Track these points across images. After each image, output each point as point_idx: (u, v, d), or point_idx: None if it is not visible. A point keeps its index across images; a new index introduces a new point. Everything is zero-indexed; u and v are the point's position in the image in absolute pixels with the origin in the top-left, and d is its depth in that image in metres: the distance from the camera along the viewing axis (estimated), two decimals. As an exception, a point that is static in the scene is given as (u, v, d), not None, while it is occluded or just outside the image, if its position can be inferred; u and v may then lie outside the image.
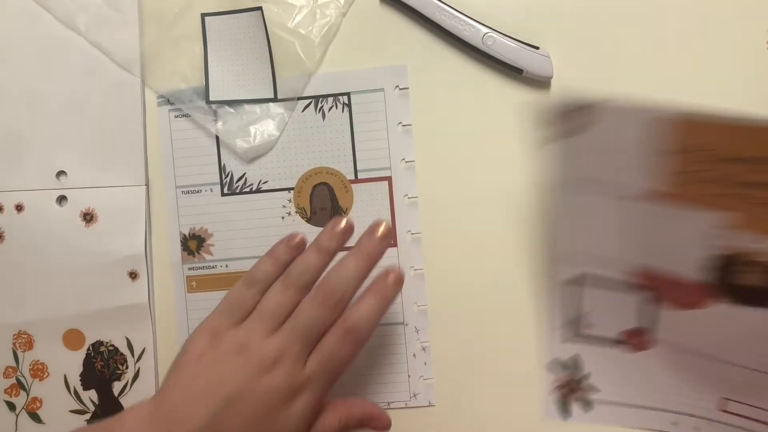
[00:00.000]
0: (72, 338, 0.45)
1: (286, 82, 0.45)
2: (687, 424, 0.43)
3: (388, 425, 0.40)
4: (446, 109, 0.45)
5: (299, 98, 0.45)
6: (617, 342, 0.43)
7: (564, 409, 0.44)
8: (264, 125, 0.45)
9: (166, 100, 0.46)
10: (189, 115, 0.45)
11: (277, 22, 0.45)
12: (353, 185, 0.45)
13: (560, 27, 0.44)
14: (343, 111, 0.45)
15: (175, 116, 0.46)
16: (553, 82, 0.44)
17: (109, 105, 0.45)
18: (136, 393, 0.45)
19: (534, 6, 0.44)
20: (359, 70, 0.45)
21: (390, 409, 0.45)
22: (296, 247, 0.39)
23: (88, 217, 0.45)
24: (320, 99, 0.45)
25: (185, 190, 0.46)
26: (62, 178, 0.45)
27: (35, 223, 0.45)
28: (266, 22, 0.45)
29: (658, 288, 0.41)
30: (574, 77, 0.44)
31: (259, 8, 0.45)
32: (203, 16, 0.45)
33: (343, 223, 0.39)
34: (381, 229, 0.39)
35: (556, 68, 0.43)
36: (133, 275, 0.45)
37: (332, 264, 0.39)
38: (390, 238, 0.41)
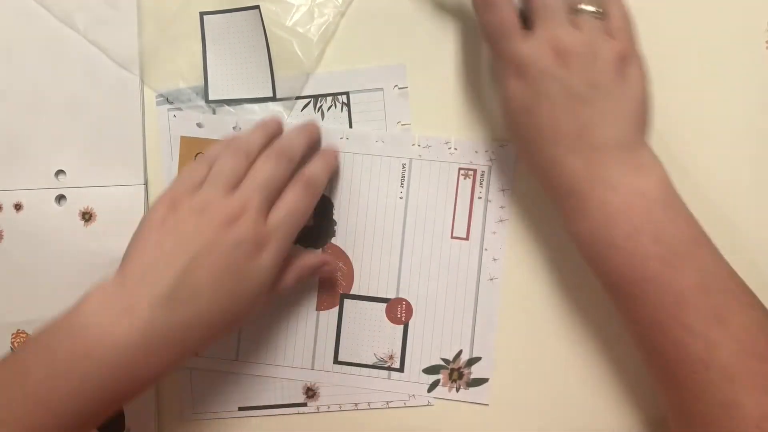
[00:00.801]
0: (71, 337, 0.45)
1: (285, 81, 0.45)
2: None
3: (335, 268, 0.45)
4: (445, 108, 0.45)
5: (297, 98, 0.45)
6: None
7: None
8: (262, 124, 0.45)
9: (165, 99, 0.46)
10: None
11: (275, 21, 0.45)
12: None
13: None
14: (342, 110, 0.45)
15: (174, 115, 0.46)
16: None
17: (109, 104, 0.45)
18: (135, 392, 0.45)
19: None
20: (358, 70, 0.45)
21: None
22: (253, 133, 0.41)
23: (87, 216, 0.45)
24: (319, 98, 0.45)
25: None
26: (61, 177, 0.45)
27: (34, 222, 0.45)
28: (264, 21, 0.45)
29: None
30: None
31: (257, 7, 0.44)
32: (202, 14, 0.45)
33: (278, 119, 0.43)
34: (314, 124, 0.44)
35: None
36: (132, 274, 0.45)
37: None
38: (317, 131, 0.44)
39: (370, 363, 0.45)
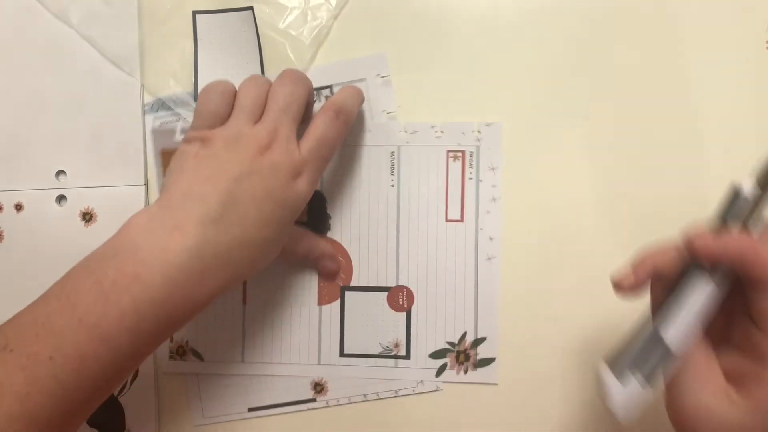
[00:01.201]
0: (72, 337, 0.45)
1: None
2: None
3: (337, 269, 0.45)
4: (430, 95, 0.45)
5: None
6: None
7: None
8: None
9: (152, 106, 0.46)
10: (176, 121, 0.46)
11: (268, 23, 0.45)
12: None
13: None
14: None
15: (159, 124, 0.46)
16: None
17: (109, 104, 0.46)
18: (136, 392, 0.45)
19: None
20: (340, 62, 0.45)
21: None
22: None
23: (88, 217, 0.45)
24: None
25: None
26: (62, 177, 0.46)
27: (34, 222, 0.45)
28: (257, 22, 0.45)
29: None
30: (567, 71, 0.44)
31: (250, 8, 0.45)
32: (195, 13, 0.45)
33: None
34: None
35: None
36: (133, 274, 0.45)
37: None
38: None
39: (376, 353, 0.45)
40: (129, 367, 0.34)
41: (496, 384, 0.44)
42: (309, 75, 0.44)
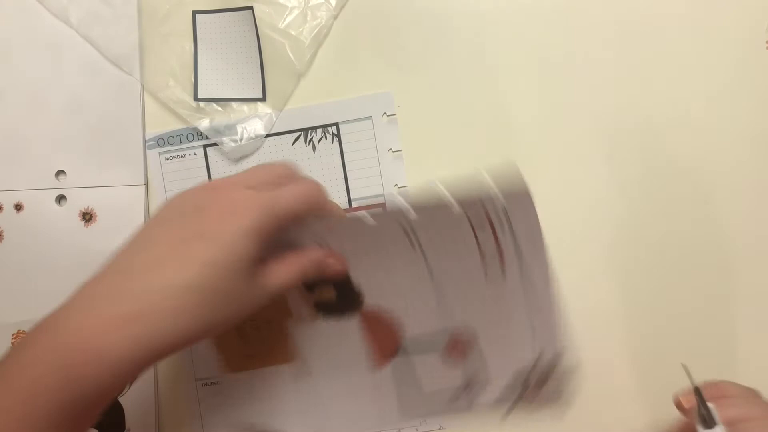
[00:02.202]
0: (71, 337, 0.45)
1: (275, 82, 0.45)
2: None
3: (344, 267, 0.40)
4: (433, 132, 0.45)
5: (290, 131, 0.45)
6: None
7: None
8: (251, 125, 0.45)
9: (156, 142, 0.46)
10: (180, 157, 0.46)
11: (267, 22, 0.45)
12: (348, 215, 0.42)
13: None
14: (332, 141, 0.45)
15: (166, 158, 0.46)
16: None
17: (109, 105, 0.46)
18: (135, 392, 0.45)
19: None
20: (345, 100, 0.45)
21: None
22: None
23: (88, 217, 0.45)
24: (309, 131, 0.45)
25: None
26: (61, 177, 0.46)
27: (34, 222, 0.45)
28: (257, 22, 0.45)
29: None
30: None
31: (250, 8, 0.45)
32: (194, 13, 0.45)
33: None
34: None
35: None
36: (131, 274, 0.45)
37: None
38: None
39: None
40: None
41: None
42: (316, 113, 0.45)
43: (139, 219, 0.45)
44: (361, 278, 0.42)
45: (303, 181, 0.38)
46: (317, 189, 0.38)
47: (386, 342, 0.43)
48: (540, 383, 0.43)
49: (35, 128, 0.46)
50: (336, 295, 0.43)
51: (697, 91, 0.43)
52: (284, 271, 0.36)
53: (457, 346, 0.43)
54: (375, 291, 0.42)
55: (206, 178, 0.46)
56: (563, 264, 0.42)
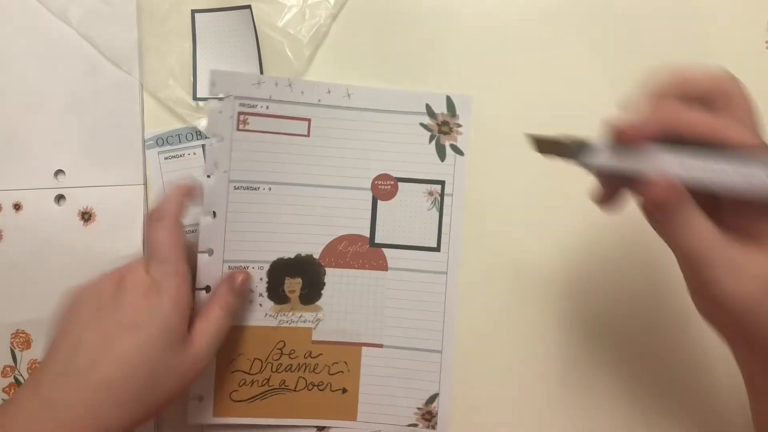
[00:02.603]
0: (71, 337, 0.45)
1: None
2: None
3: (247, 277, 0.43)
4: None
5: None
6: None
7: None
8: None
9: (155, 142, 0.46)
10: (179, 156, 0.46)
11: (266, 21, 0.45)
12: None
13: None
14: None
15: (165, 158, 0.46)
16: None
17: (108, 104, 0.46)
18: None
19: None
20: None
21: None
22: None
23: (87, 216, 0.45)
24: None
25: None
26: (60, 177, 0.46)
27: (33, 222, 0.45)
28: (255, 21, 0.45)
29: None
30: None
31: (249, 6, 0.45)
32: (193, 12, 0.45)
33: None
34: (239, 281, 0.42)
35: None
36: (131, 274, 0.45)
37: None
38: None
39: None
40: None
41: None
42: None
43: (138, 218, 0.45)
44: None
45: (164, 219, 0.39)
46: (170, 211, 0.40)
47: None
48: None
49: (34, 128, 0.46)
50: (302, 284, 0.45)
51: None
52: (209, 323, 0.39)
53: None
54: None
55: (205, 177, 0.45)
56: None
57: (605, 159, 0.31)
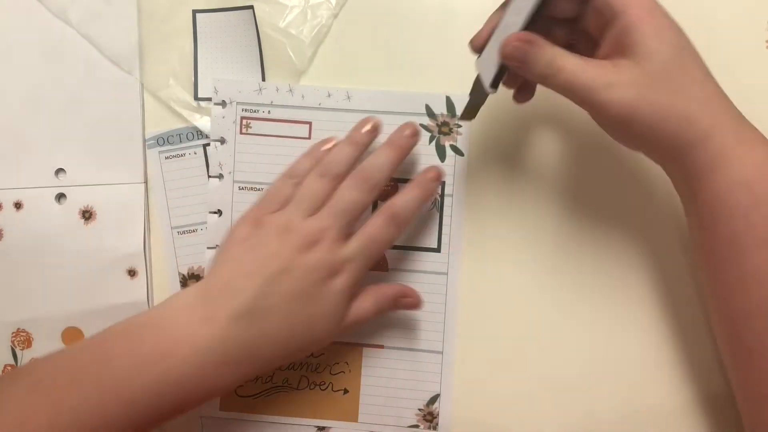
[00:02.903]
0: (71, 336, 0.45)
1: (276, 82, 0.45)
2: None
3: (419, 303, 0.42)
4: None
5: None
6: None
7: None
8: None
9: (156, 141, 0.46)
10: (180, 156, 0.46)
11: (268, 22, 0.45)
12: None
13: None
14: None
15: (166, 158, 0.46)
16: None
17: (108, 103, 0.46)
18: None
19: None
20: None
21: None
22: (331, 148, 0.42)
23: (87, 215, 0.45)
24: None
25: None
26: (61, 175, 0.46)
27: (34, 220, 0.45)
28: (257, 21, 0.45)
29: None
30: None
31: (251, 7, 0.45)
32: (194, 12, 0.46)
33: (371, 122, 0.42)
34: (408, 129, 0.41)
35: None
36: (132, 273, 0.45)
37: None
38: (418, 136, 0.42)
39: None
40: (145, 429, 0.36)
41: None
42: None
43: (139, 217, 0.45)
44: None
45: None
46: (424, 189, 0.41)
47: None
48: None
49: (35, 126, 0.46)
50: None
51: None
52: (363, 309, 0.40)
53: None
54: None
55: (206, 177, 0.46)
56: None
57: (489, 73, 0.36)
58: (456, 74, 0.45)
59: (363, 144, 0.41)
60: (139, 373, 0.34)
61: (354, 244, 0.39)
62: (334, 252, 0.38)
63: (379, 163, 0.40)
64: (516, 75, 0.37)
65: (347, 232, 0.39)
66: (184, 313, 0.37)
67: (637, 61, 0.33)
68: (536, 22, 0.34)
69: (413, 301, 0.42)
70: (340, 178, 0.40)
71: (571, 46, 0.36)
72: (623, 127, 0.35)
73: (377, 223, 0.39)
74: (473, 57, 0.46)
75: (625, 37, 0.34)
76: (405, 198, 0.40)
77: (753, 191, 0.33)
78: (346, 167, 0.40)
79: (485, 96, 0.38)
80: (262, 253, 0.37)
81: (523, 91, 0.40)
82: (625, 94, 0.33)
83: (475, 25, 0.46)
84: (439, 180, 0.42)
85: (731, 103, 0.35)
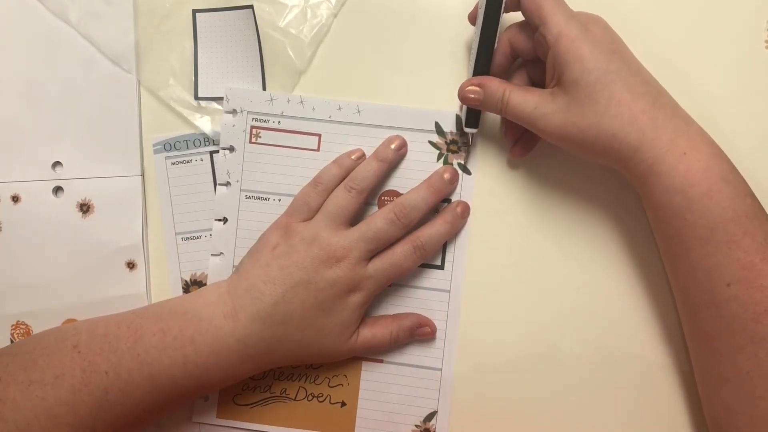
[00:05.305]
0: (70, 328, 0.46)
1: (275, 81, 0.46)
2: None
3: (434, 332, 0.45)
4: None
5: None
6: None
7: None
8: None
9: (163, 147, 0.46)
10: (186, 162, 0.47)
11: (268, 21, 0.45)
12: None
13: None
14: None
15: (172, 163, 0.46)
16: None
17: (105, 96, 0.46)
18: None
19: None
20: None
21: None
22: (358, 159, 0.44)
23: (85, 208, 0.46)
24: None
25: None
26: (58, 168, 0.46)
27: (32, 214, 0.46)
28: (257, 21, 0.45)
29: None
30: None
31: (251, 6, 0.45)
32: (194, 12, 0.46)
33: (398, 140, 0.44)
34: (448, 174, 0.44)
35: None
36: (131, 265, 0.46)
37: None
38: (456, 182, 0.45)
39: None
40: (168, 405, 0.40)
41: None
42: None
43: (136, 209, 0.46)
44: None
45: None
46: (451, 224, 0.44)
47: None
48: None
49: (32, 120, 0.46)
50: None
51: (696, 91, 0.43)
52: (377, 338, 0.43)
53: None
54: None
55: (212, 184, 0.46)
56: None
57: (462, 114, 0.43)
58: (457, 74, 0.45)
59: (390, 161, 0.44)
60: (167, 354, 0.38)
61: (375, 266, 0.41)
62: (355, 271, 0.40)
63: (417, 200, 0.42)
64: (515, 129, 0.42)
65: (370, 255, 0.42)
66: (210, 307, 0.40)
67: (566, 90, 0.37)
68: (489, 54, 0.40)
69: (429, 331, 0.44)
70: (364, 193, 0.42)
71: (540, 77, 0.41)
72: (564, 145, 0.39)
73: (402, 251, 0.42)
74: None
75: (557, 67, 0.38)
76: (432, 231, 0.43)
77: (686, 195, 0.36)
78: (371, 182, 0.43)
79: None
80: (288, 261, 0.40)
81: (521, 147, 0.44)
82: (558, 120, 0.38)
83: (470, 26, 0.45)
84: (466, 216, 0.45)
85: (668, 115, 0.37)
